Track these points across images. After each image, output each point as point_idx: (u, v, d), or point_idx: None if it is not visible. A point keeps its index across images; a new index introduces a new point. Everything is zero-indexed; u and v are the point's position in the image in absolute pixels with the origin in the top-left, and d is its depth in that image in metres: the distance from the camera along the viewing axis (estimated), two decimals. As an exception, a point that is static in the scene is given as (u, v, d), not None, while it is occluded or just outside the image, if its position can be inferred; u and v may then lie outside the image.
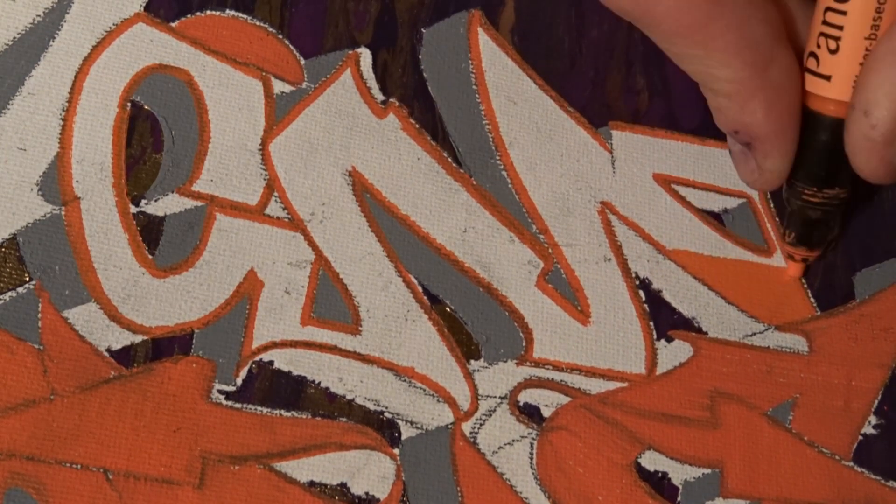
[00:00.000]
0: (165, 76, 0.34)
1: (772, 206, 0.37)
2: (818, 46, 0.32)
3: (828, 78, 0.32)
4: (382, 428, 0.33)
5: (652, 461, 0.34)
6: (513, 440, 0.33)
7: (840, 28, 0.31)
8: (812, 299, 0.36)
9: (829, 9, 0.32)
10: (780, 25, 0.32)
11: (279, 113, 0.35)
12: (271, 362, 0.33)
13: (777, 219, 0.37)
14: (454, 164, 0.35)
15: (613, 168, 0.36)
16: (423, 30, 0.36)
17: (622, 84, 0.37)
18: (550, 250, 0.35)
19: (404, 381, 0.33)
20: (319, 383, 0.33)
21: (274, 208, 0.34)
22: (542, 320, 0.34)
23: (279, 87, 0.35)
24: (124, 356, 0.32)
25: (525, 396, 0.34)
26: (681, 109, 0.37)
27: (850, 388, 0.35)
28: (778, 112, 0.32)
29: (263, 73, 0.35)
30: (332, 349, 0.33)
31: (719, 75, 0.32)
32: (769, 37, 0.32)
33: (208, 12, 0.35)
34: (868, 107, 0.31)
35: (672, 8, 0.31)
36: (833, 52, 0.32)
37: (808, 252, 0.35)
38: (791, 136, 0.33)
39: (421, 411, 0.33)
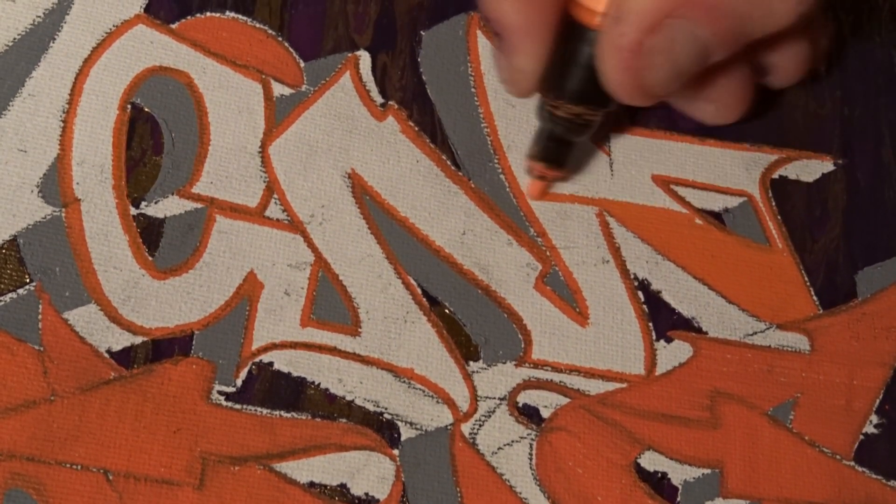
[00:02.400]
0: (165, 78, 0.35)
1: (773, 204, 0.37)
2: None
3: None
4: (382, 429, 0.33)
5: (651, 462, 0.33)
6: (512, 441, 0.33)
7: None
8: (814, 297, 0.36)
9: None
10: None
11: (279, 115, 0.35)
12: (271, 363, 0.33)
13: (779, 217, 0.36)
14: (453, 167, 0.35)
15: (612, 170, 0.36)
16: (422, 32, 0.37)
17: (621, 86, 0.37)
18: (548, 253, 0.35)
19: (404, 382, 0.33)
20: (319, 384, 0.33)
21: (274, 210, 0.34)
22: (541, 322, 0.34)
23: (279, 89, 0.35)
24: (124, 357, 0.32)
25: (524, 397, 0.34)
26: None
27: (852, 388, 0.35)
28: (531, 6, 0.31)
29: (263, 76, 0.35)
30: (332, 350, 0.33)
31: None
32: None
33: (208, 14, 0.35)
34: (620, 14, 0.30)
35: None
36: None
37: (545, 169, 0.34)
38: (542, 36, 0.31)
39: (420, 412, 0.33)
